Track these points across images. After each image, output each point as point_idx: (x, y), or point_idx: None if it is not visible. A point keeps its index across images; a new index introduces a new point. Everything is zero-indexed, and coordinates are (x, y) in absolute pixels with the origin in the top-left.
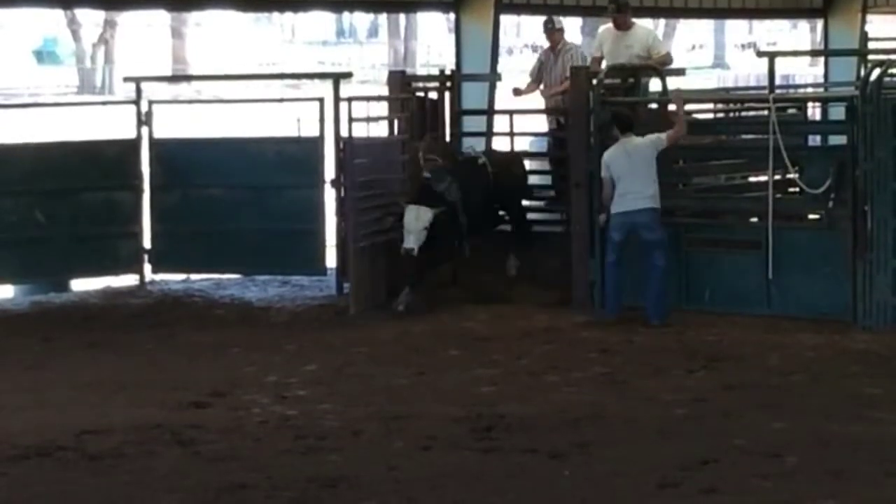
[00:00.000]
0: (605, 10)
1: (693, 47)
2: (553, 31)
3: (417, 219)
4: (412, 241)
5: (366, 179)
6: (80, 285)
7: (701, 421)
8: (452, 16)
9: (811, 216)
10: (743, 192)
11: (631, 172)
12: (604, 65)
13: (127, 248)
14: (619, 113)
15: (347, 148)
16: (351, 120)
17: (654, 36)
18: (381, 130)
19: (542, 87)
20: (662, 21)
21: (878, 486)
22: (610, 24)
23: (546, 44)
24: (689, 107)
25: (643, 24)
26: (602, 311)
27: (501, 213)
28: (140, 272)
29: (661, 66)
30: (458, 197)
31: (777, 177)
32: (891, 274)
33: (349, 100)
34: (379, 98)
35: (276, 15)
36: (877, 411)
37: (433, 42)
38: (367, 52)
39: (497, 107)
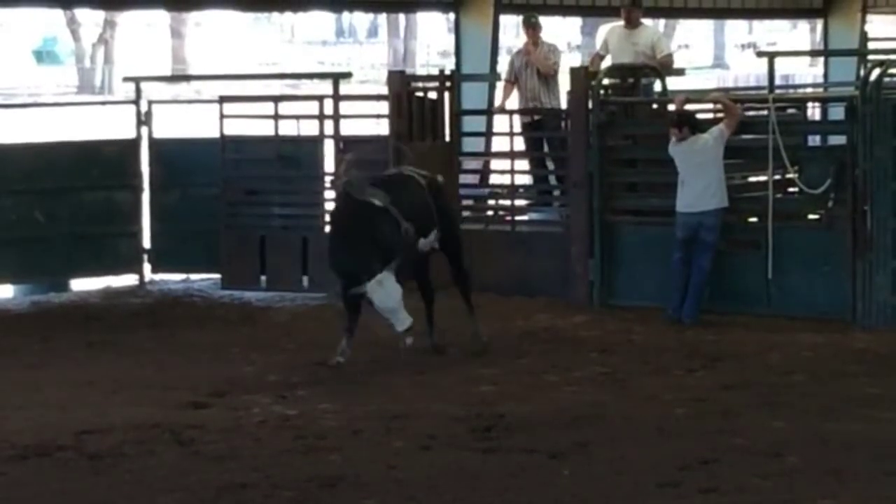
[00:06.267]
0: (605, 10)
1: (679, 47)
2: (535, 26)
3: (388, 295)
4: (405, 321)
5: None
6: (80, 285)
7: (701, 420)
8: (452, 16)
9: (811, 216)
10: (743, 191)
11: (699, 173)
12: (607, 62)
13: (127, 248)
14: (686, 113)
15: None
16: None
17: (660, 35)
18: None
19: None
20: (662, 21)
21: (877, 485)
22: (616, 23)
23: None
24: (688, 107)
25: (649, 23)
26: (668, 310)
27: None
28: (140, 272)
29: (664, 67)
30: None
31: (777, 177)
32: (890, 274)
33: (221, 100)
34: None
35: (275, 15)
36: (876, 410)
37: (433, 42)
38: (367, 52)
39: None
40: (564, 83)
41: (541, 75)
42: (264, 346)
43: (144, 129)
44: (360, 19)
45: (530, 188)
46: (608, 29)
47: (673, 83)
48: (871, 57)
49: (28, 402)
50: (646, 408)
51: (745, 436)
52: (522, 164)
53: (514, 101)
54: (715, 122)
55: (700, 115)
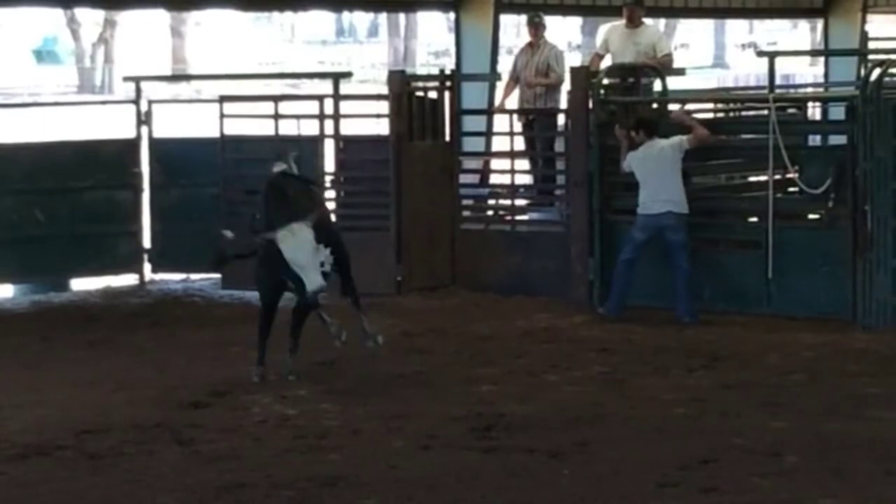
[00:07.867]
0: (606, 10)
1: (678, 47)
2: (538, 25)
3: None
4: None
5: None
6: (80, 284)
7: (700, 420)
8: (452, 15)
9: (811, 216)
10: (743, 191)
11: (656, 176)
12: (607, 61)
13: (127, 248)
14: (644, 117)
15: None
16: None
17: (661, 35)
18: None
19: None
20: (662, 20)
21: (877, 484)
22: (616, 22)
23: (521, 45)
24: (689, 106)
25: (650, 22)
26: (605, 307)
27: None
28: (140, 271)
29: (664, 67)
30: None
31: (777, 176)
32: (890, 273)
33: (221, 99)
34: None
35: (275, 14)
36: (876, 410)
37: (433, 41)
38: (367, 52)
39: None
40: (565, 83)
41: (540, 75)
42: None
43: (144, 129)
44: (360, 19)
45: (530, 188)
46: (609, 28)
47: (673, 83)
48: (871, 57)
49: (28, 401)
50: (645, 407)
51: (744, 435)
52: (522, 164)
53: (515, 100)
54: (713, 122)
55: (699, 115)
